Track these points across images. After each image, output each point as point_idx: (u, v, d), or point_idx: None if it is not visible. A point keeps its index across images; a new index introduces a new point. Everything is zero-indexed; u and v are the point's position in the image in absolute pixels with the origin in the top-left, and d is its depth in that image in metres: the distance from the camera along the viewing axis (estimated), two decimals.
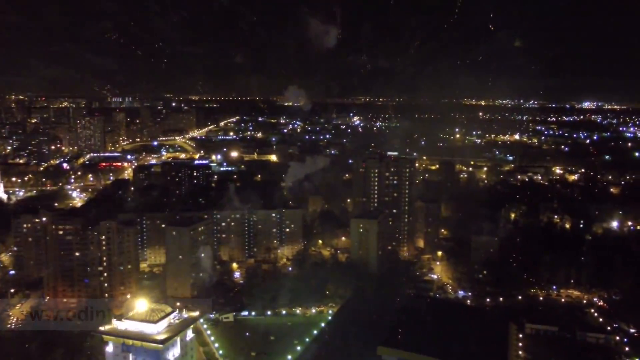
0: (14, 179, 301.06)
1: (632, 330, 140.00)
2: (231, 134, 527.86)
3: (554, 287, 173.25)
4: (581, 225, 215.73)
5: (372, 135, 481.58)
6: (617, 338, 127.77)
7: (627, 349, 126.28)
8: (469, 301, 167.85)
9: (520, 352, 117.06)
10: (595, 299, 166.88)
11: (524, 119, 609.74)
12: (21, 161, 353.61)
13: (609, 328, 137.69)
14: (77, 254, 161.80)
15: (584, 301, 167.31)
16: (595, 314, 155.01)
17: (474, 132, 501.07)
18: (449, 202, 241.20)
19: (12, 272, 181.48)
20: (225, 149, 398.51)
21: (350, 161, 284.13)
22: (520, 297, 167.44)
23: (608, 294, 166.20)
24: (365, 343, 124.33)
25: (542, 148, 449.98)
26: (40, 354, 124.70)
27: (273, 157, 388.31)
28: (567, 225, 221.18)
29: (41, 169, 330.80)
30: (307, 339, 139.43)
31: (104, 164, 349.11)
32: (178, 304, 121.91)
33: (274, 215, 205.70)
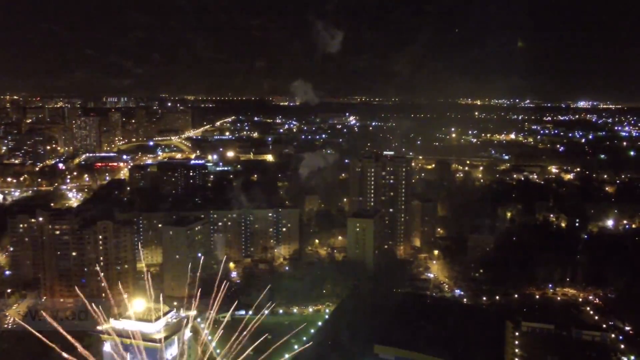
0: (9, 179, 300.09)
1: (628, 328, 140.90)
2: (227, 133, 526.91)
3: (550, 285, 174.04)
4: (577, 224, 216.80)
5: (369, 135, 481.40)
6: (613, 336, 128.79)
7: (622, 346, 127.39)
8: (465, 300, 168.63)
9: (516, 350, 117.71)
10: (590, 297, 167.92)
11: (520, 118, 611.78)
12: (16, 161, 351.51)
13: (604, 326, 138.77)
14: (73, 253, 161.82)
15: (580, 299, 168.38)
16: (591, 312, 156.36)
17: (470, 132, 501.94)
18: (445, 201, 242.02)
19: (9, 272, 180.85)
20: (221, 149, 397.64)
21: (346, 161, 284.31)
22: (516, 296, 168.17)
23: (603, 292, 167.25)
24: (362, 341, 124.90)
25: (537, 147, 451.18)
26: (37, 354, 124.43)
27: (269, 157, 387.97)
28: (563, 224, 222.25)
29: (37, 169, 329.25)
30: (305, 338, 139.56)
31: (99, 164, 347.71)
32: (175, 303, 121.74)
33: (270, 214, 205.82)
